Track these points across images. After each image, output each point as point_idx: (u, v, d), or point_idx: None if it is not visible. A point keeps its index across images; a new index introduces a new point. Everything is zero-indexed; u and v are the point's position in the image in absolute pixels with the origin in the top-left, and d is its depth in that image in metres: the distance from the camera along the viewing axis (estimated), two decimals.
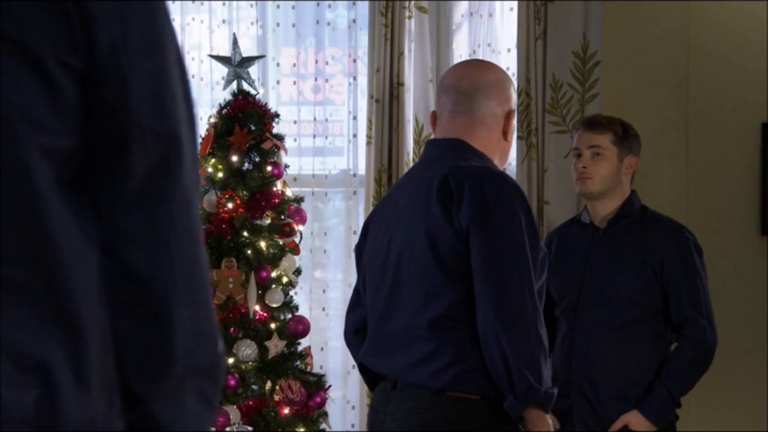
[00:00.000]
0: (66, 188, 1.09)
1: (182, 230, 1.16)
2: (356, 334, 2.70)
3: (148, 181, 1.14)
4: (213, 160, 4.11)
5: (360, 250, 2.73)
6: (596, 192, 3.47)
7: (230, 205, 4.03)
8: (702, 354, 3.38)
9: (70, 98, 1.08)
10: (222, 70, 4.34)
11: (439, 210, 2.40)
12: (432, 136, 2.71)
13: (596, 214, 3.53)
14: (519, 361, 2.31)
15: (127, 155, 1.12)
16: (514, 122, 2.65)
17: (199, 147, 1.22)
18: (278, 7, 4.70)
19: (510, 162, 4.54)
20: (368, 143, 4.53)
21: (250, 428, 3.86)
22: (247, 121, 4.14)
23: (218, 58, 4.31)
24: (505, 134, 2.60)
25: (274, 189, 4.10)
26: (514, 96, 2.66)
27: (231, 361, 3.97)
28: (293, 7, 4.70)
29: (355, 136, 4.65)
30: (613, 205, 3.50)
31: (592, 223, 3.53)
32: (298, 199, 4.23)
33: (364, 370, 2.64)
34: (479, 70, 2.64)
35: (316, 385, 4.12)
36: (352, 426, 4.62)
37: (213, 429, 3.77)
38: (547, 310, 3.57)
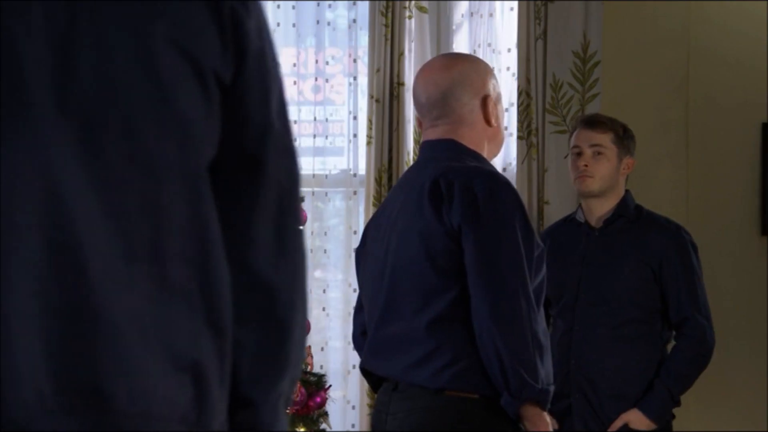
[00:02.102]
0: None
1: (300, 242, 1.21)
2: (363, 335, 2.70)
3: (279, 193, 1.17)
4: None
5: (360, 254, 2.73)
6: (596, 191, 3.47)
7: None
8: (701, 353, 3.39)
9: (216, 108, 1.10)
10: None
11: (431, 211, 2.40)
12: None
13: (592, 213, 3.52)
14: (514, 359, 2.32)
15: (262, 167, 1.15)
16: (498, 106, 2.61)
17: None
18: (278, 7, 4.70)
19: (510, 162, 4.54)
20: (368, 143, 4.52)
21: None
22: None
23: None
24: (488, 121, 2.58)
25: None
26: (489, 79, 2.60)
27: None
28: (293, 7, 4.69)
29: (355, 136, 4.65)
30: (609, 204, 3.50)
31: (587, 223, 3.53)
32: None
33: (366, 373, 2.64)
34: (442, 71, 2.59)
35: (317, 385, 4.12)
36: (353, 426, 4.62)
37: None
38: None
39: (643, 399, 3.36)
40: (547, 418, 2.40)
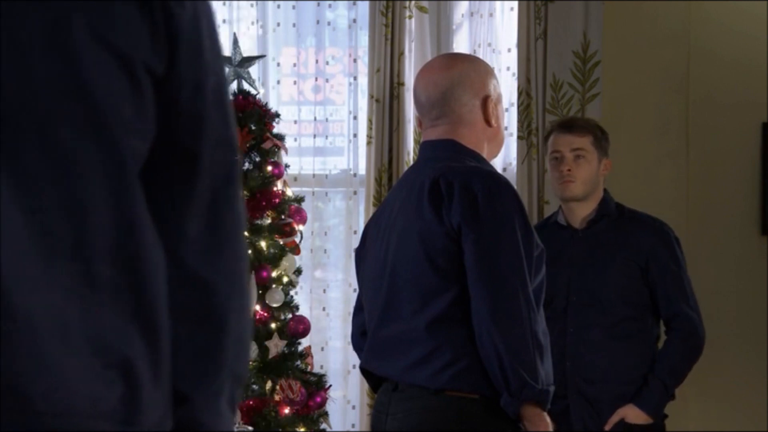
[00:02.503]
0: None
1: (237, 237, 1.19)
2: (362, 336, 2.70)
3: (214, 187, 1.16)
4: None
5: (360, 254, 2.73)
6: (580, 195, 3.48)
7: None
8: (693, 346, 3.41)
9: (149, 101, 1.09)
10: None
11: (431, 212, 2.40)
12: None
13: (574, 215, 3.53)
14: (513, 359, 2.32)
15: (198, 160, 1.14)
16: (498, 106, 2.61)
17: None
18: (278, 6, 4.70)
19: (510, 162, 4.54)
20: (368, 143, 4.53)
21: (250, 428, 3.86)
22: (248, 120, 4.13)
23: None
24: (488, 121, 2.58)
25: (275, 189, 4.10)
26: (489, 80, 2.60)
27: None
28: (293, 7, 4.70)
29: (355, 135, 4.66)
30: (591, 206, 3.51)
31: (569, 225, 3.53)
32: (299, 199, 4.23)
33: (367, 373, 2.64)
34: (442, 71, 2.59)
35: (317, 384, 4.12)
36: (353, 426, 4.62)
37: None
38: None
39: (639, 394, 3.37)
40: (547, 418, 2.40)
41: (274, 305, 4.07)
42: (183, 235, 1.14)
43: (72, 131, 1.03)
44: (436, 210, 2.40)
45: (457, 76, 2.57)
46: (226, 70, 4.21)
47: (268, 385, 4.03)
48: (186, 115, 1.13)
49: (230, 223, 1.18)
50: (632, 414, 3.37)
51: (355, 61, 4.68)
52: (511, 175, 4.45)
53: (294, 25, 4.70)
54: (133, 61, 1.06)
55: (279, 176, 4.14)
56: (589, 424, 3.42)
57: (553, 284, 3.48)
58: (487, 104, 2.56)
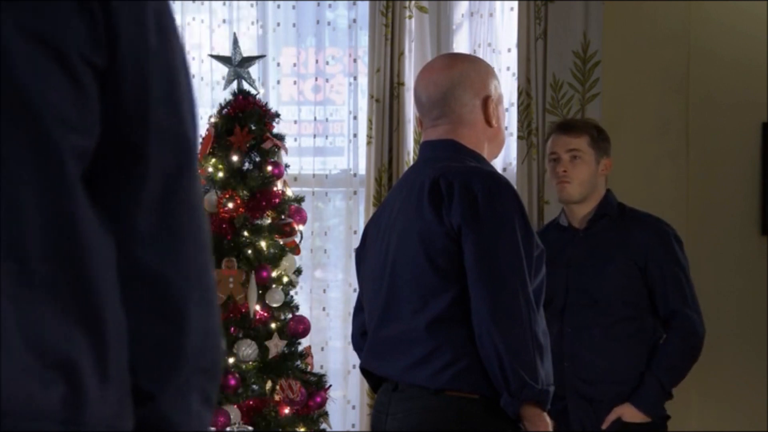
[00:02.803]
0: (86, 189, 1.10)
1: (195, 230, 1.18)
2: (363, 336, 2.70)
3: (164, 182, 1.15)
4: (213, 160, 4.11)
5: (360, 254, 2.73)
6: (576, 197, 3.49)
7: (230, 205, 4.03)
8: (691, 345, 3.41)
9: (91, 97, 1.08)
10: (222, 70, 4.34)
11: (431, 212, 2.40)
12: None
13: (574, 216, 3.54)
14: (513, 359, 2.32)
15: (144, 155, 1.13)
16: (499, 107, 2.61)
17: (199, 148, 1.22)
18: (278, 6, 4.70)
19: (510, 162, 4.54)
20: (369, 143, 4.53)
21: (250, 428, 3.86)
22: (248, 120, 4.14)
23: (219, 57, 4.31)
24: (488, 121, 2.58)
25: (275, 189, 4.10)
26: (490, 80, 2.61)
27: (231, 360, 3.97)
28: (293, 7, 4.70)
29: (355, 135, 4.66)
30: (590, 206, 3.51)
31: (570, 226, 3.54)
32: (299, 199, 4.23)
33: (367, 373, 2.64)
34: (442, 71, 2.59)
35: (317, 384, 4.12)
36: (353, 426, 4.62)
37: (213, 429, 3.77)
38: None
39: (635, 392, 3.37)
40: (547, 418, 2.40)
41: (274, 305, 4.07)
42: (134, 231, 1.13)
43: (4, 129, 1.01)
44: (436, 210, 2.40)
45: (458, 76, 2.57)
46: (227, 69, 4.22)
47: (268, 385, 4.03)
48: (130, 109, 1.11)
49: (185, 217, 1.16)
50: (629, 413, 3.37)
51: (355, 61, 4.68)
52: (511, 175, 4.45)
53: (294, 25, 4.70)
54: (70, 56, 1.05)
55: (279, 176, 4.14)
56: (587, 425, 3.42)
57: (552, 284, 3.48)
58: (487, 104, 2.56)
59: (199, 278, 1.17)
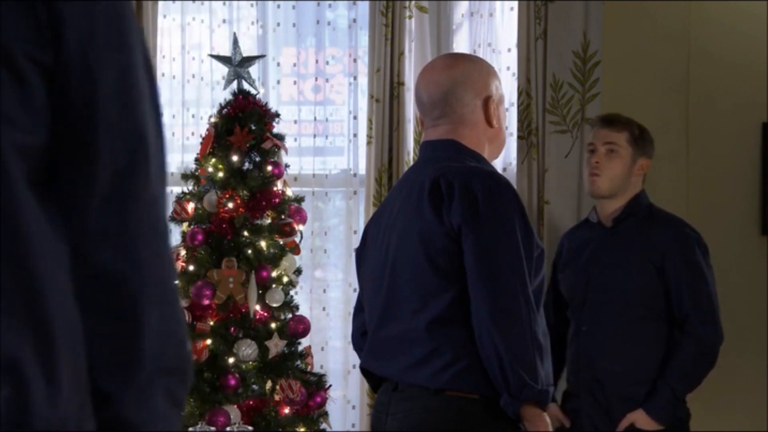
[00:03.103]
0: (35, 188, 1.08)
1: (150, 229, 1.16)
2: (363, 336, 2.70)
3: (116, 180, 1.13)
4: (213, 160, 4.11)
5: (360, 254, 2.73)
6: (606, 192, 3.47)
7: (230, 205, 4.03)
8: (704, 351, 3.36)
9: (38, 95, 1.07)
10: (222, 70, 4.34)
11: (431, 212, 2.40)
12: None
13: (604, 212, 3.53)
14: (513, 359, 2.32)
15: (94, 153, 1.12)
16: (500, 108, 2.60)
17: (165, 146, 1.20)
18: (278, 6, 4.70)
19: (510, 162, 4.54)
20: (369, 143, 4.53)
21: (250, 428, 3.86)
22: (248, 120, 4.13)
23: (219, 57, 4.31)
24: (489, 122, 2.58)
25: (275, 189, 4.10)
26: (491, 80, 2.60)
27: (231, 360, 3.97)
28: (293, 7, 4.70)
29: (355, 135, 4.66)
30: (620, 203, 3.49)
31: (599, 222, 3.53)
32: (299, 199, 4.23)
33: (367, 373, 2.64)
34: (444, 70, 2.59)
35: (317, 384, 4.12)
36: (353, 426, 4.62)
37: (213, 429, 3.77)
38: (559, 311, 3.55)
39: (648, 399, 3.35)
40: (547, 418, 2.40)
41: (274, 305, 4.07)
42: (88, 231, 1.12)
43: None
44: (436, 210, 2.40)
45: (459, 76, 2.56)
46: (227, 69, 4.22)
47: (268, 385, 4.03)
48: (79, 107, 1.11)
49: (140, 216, 1.15)
50: (642, 420, 3.35)
51: (355, 61, 4.68)
52: (511, 175, 4.45)
53: (294, 25, 4.70)
54: (12, 52, 1.04)
55: (279, 176, 4.14)
56: (598, 425, 3.42)
57: (576, 281, 3.48)
58: (488, 104, 2.56)
59: (158, 277, 1.16)
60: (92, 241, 1.13)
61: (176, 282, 1.20)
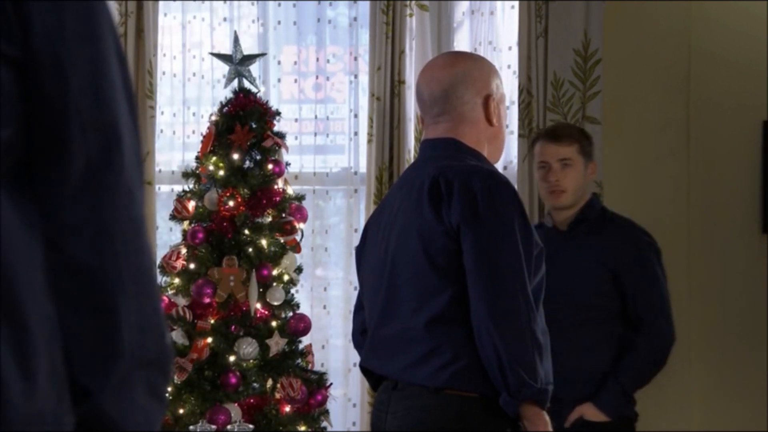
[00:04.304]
0: (7, 182, 1.08)
1: (126, 222, 1.15)
2: (363, 334, 2.70)
3: (89, 172, 1.12)
4: (214, 158, 4.11)
5: (360, 253, 2.73)
6: (569, 204, 3.50)
7: (231, 204, 4.03)
8: (656, 350, 3.42)
9: (6, 88, 1.07)
10: (223, 68, 4.34)
11: (430, 210, 2.40)
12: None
13: (560, 217, 3.55)
14: (512, 358, 2.31)
15: (67, 147, 1.11)
16: (501, 107, 2.59)
17: (140, 138, 1.19)
18: (279, 5, 4.70)
19: (511, 160, 4.54)
20: (369, 141, 4.53)
21: (251, 426, 3.87)
22: (248, 119, 4.14)
23: (219, 56, 4.31)
24: (489, 120, 2.58)
25: (275, 187, 4.10)
26: (492, 79, 2.60)
27: (232, 359, 3.97)
28: (294, 5, 4.70)
29: (356, 134, 4.66)
30: (576, 208, 3.52)
31: (554, 227, 3.56)
32: (299, 197, 4.23)
33: (367, 372, 2.64)
34: (445, 68, 2.59)
35: (317, 383, 4.12)
36: (354, 424, 4.62)
37: (214, 427, 3.77)
38: None
39: (597, 393, 3.40)
40: (546, 417, 2.40)
41: (275, 303, 4.08)
42: (61, 224, 1.12)
43: None
44: (436, 209, 2.40)
45: (460, 74, 2.56)
46: (228, 67, 4.22)
47: (269, 383, 4.04)
48: (50, 100, 1.10)
49: (114, 209, 1.14)
50: (590, 411, 3.40)
51: (355, 59, 4.68)
52: (512, 174, 4.45)
53: (295, 23, 4.70)
54: None
55: (280, 174, 4.14)
56: (551, 422, 3.43)
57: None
58: (489, 103, 2.56)
59: (134, 270, 1.15)
60: (67, 235, 1.12)
61: (155, 274, 1.19)
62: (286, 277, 4.11)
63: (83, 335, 1.12)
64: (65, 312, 1.12)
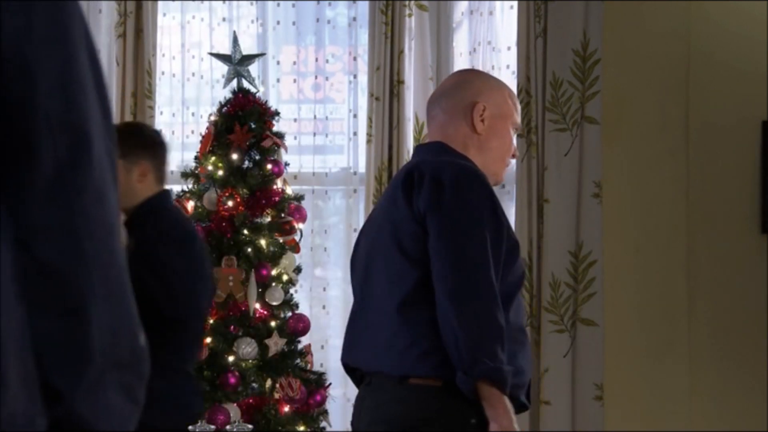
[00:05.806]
0: None
1: (96, 224, 1.15)
2: None
3: (58, 174, 1.12)
4: (213, 158, 4.11)
5: (353, 262, 2.76)
6: None
7: (230, 203, 4.03)
8: None
9: None
10: (222, 68, 4.34)
11: (403, 200, 2.44)
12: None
13: None
14: (469, 337, 2.29)
15: (35, 149, 1.11)
16: (499, 123, 2.58)
17: (116, 139, 1.19)
18: (278, 5, 4.70)
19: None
20: (368, 141, 4.53)
21: (250, 426, 3.87)
22: (248, 119, 4.13)
23: (218, 56, 4.31)
24: (474, 127, 2.59)
25: (275, 187, 4.10)
26: (493, 93, 2.61)
27: (231, 359, 3.97)
28: (293, 5, 4.70)
29: (355, 134, 4.66)
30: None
31: None
32: (299, 197, 4.23)
33: (348, 369, 2.67)
34: (454, 76, 2.67)
35: (317, 383, 4.12)
36: (352, 424, 4.62)
37: (213, 427, 3.77)
38: None
39: None
40: (506, 401, 2.34)
41: (274, 303, 4.08)
42: (31, 227, 1.11)
43: None
44: (408, 198, 2.44)
45: (461, 82, 2.63)
46: (227, 67, 4.22)
47: (268, 383, 4.03)
48: (17, 101, 1.09)
49: (85, 209, 1.13)
50: None
51: (355, 59, 4.68)
52: (511, 174, 4.45)
53: (294, 23, 4.70)
54: None
55: (279, 174, 4.14)
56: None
57: None
58: (474, 108, 2.57)
59: (106, 272, 1.14)
60: (37, 236, 1.11)
61: (126, 276, 1.19)
62: (285, 277, 4.11)
63: (53, 337, 1.12)
64: (36, 314, 1.11)
